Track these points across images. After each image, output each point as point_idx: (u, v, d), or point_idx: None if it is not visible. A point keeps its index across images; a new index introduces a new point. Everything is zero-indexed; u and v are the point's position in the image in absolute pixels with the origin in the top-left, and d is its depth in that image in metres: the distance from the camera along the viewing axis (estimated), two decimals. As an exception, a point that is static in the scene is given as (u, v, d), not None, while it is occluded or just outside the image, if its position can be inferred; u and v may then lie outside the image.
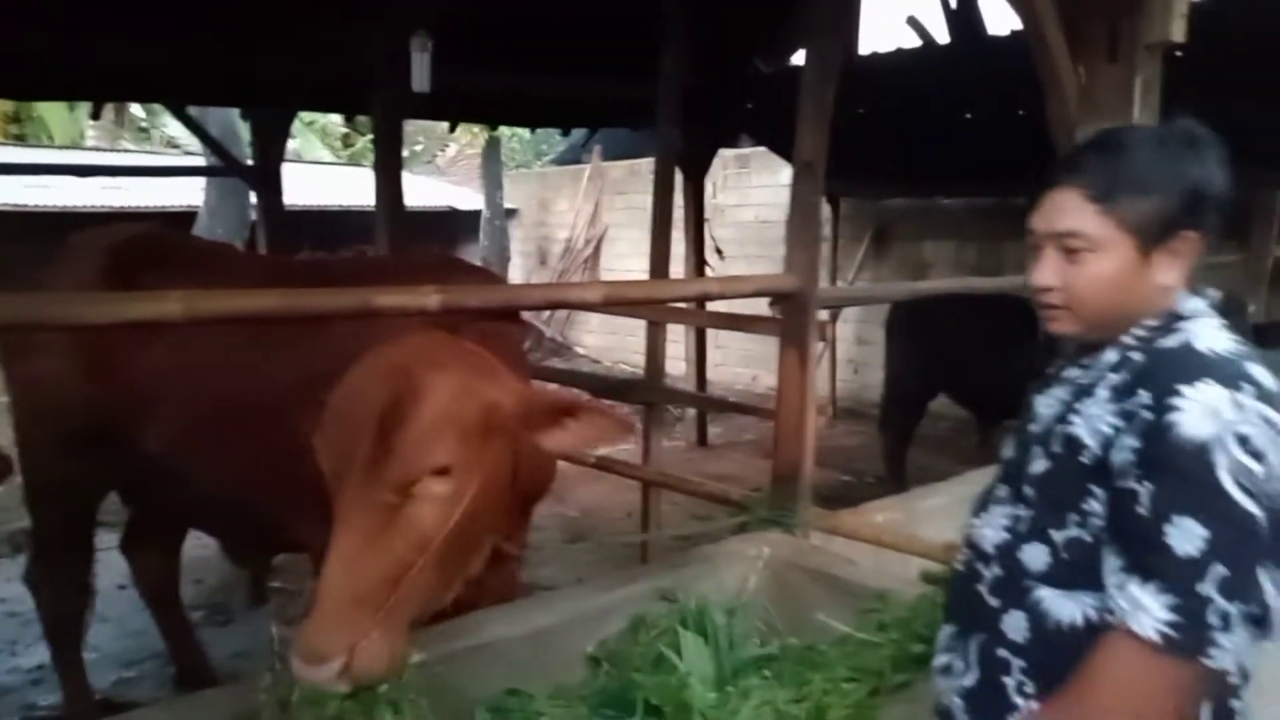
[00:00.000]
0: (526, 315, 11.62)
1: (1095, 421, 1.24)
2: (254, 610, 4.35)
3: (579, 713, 2.03)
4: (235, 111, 7.33)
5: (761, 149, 8.86)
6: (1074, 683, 1.21)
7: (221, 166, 6.23)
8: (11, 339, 2.75)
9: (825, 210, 8.59)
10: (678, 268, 8.24)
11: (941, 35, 5.94)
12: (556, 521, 5.80)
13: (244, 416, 2.36)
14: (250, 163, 5.92)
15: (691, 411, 8.11)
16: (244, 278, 2.51)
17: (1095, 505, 1.23)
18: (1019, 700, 1.29)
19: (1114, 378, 1.27)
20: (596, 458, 4.23)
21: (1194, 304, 1.30)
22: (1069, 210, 1.27)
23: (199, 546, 4.09)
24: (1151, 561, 1.13)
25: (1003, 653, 1.32)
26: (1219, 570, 1.10)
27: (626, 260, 11.03)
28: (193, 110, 8.32)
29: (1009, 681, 1.30)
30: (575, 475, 5.94)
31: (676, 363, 9.37)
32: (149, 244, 2.71)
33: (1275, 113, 4.27)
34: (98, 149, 13.26)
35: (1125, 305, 1.28)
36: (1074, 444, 1.26)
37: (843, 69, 2.53)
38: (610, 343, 11.24)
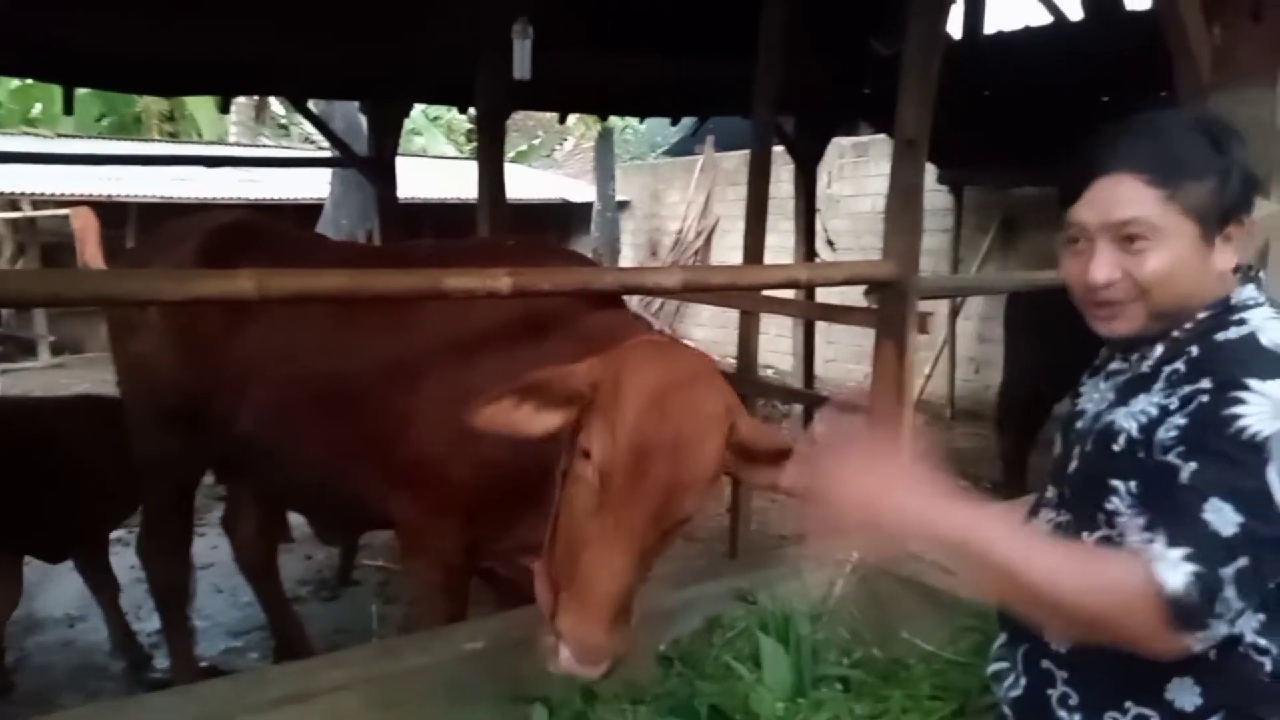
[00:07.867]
0: (636, 308, 11.71)
1: (1140, 414, 1.20)
2: (350, 587, 4.47)
3: (642, 713, 1.95)
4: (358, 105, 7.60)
5: (881, 136, 8.53)
6: (1069, 547, 1.18)
7: (339, 158, 6.45)
8: (117, 319, 2.88)
9: (948, 200, 8.33)
10: (787, 259, 8.08)
11: (1074, 11, 5.60)
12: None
13: (335, 399, 2.38)
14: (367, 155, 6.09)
15: (799, 407, 7.90)
16: (329, 261, 2.54)
17: (1118, 502, 1.20)
18: (1063, 713, 1.26)
19: (1167, 369, 1.22)
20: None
21: (1248, 291, 1.24)
22: (1128, 199, 1.20)
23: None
24: (1183, 530, 1.08)
25: (1046, 664, 1.30)
26: (1242, 562, 1.06)
27: (738, 253, 10.79)
28: (321, 104, 8.69)
29: (1053, 694, 1.28)
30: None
31: (785, 358, 9.21)
32: (242, 229, 2.80)
33: None
34: (238, 144, 14.05)
35: (1189, 296, 1.23)
36: (1107, 435, 1.22)
37: (968, 49, 2.34)
38: (720, 336, 11.08)
